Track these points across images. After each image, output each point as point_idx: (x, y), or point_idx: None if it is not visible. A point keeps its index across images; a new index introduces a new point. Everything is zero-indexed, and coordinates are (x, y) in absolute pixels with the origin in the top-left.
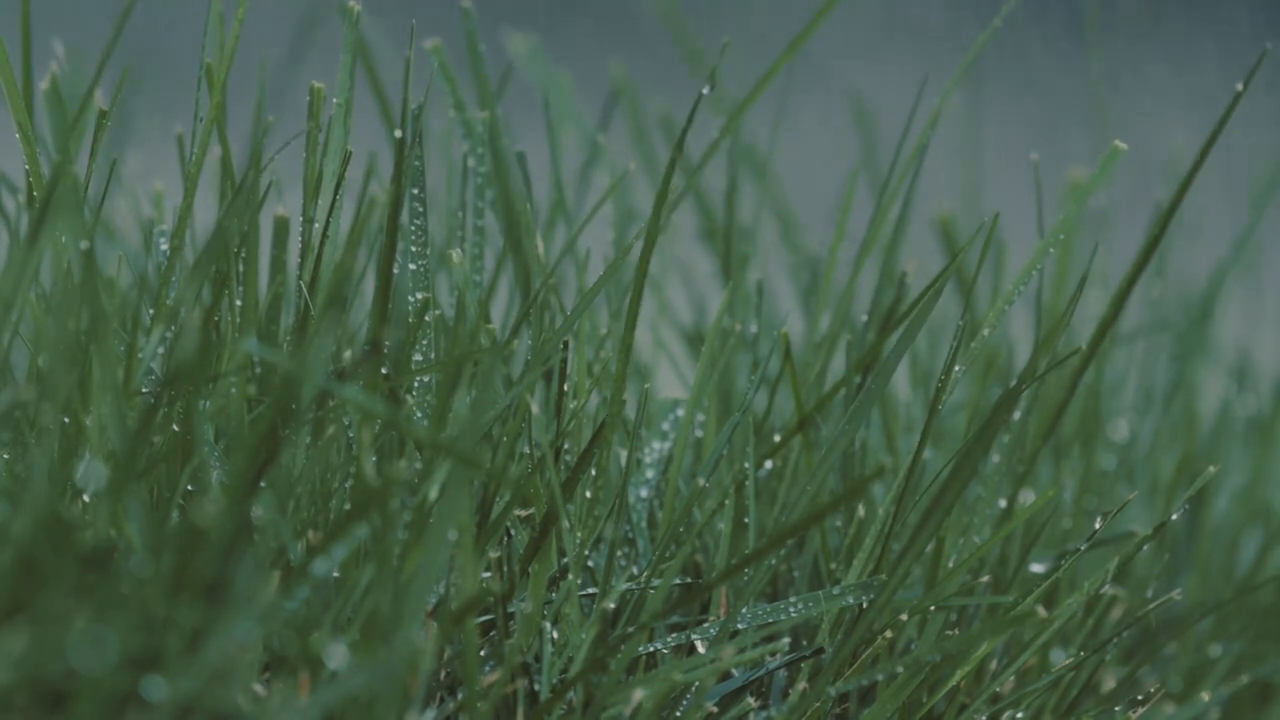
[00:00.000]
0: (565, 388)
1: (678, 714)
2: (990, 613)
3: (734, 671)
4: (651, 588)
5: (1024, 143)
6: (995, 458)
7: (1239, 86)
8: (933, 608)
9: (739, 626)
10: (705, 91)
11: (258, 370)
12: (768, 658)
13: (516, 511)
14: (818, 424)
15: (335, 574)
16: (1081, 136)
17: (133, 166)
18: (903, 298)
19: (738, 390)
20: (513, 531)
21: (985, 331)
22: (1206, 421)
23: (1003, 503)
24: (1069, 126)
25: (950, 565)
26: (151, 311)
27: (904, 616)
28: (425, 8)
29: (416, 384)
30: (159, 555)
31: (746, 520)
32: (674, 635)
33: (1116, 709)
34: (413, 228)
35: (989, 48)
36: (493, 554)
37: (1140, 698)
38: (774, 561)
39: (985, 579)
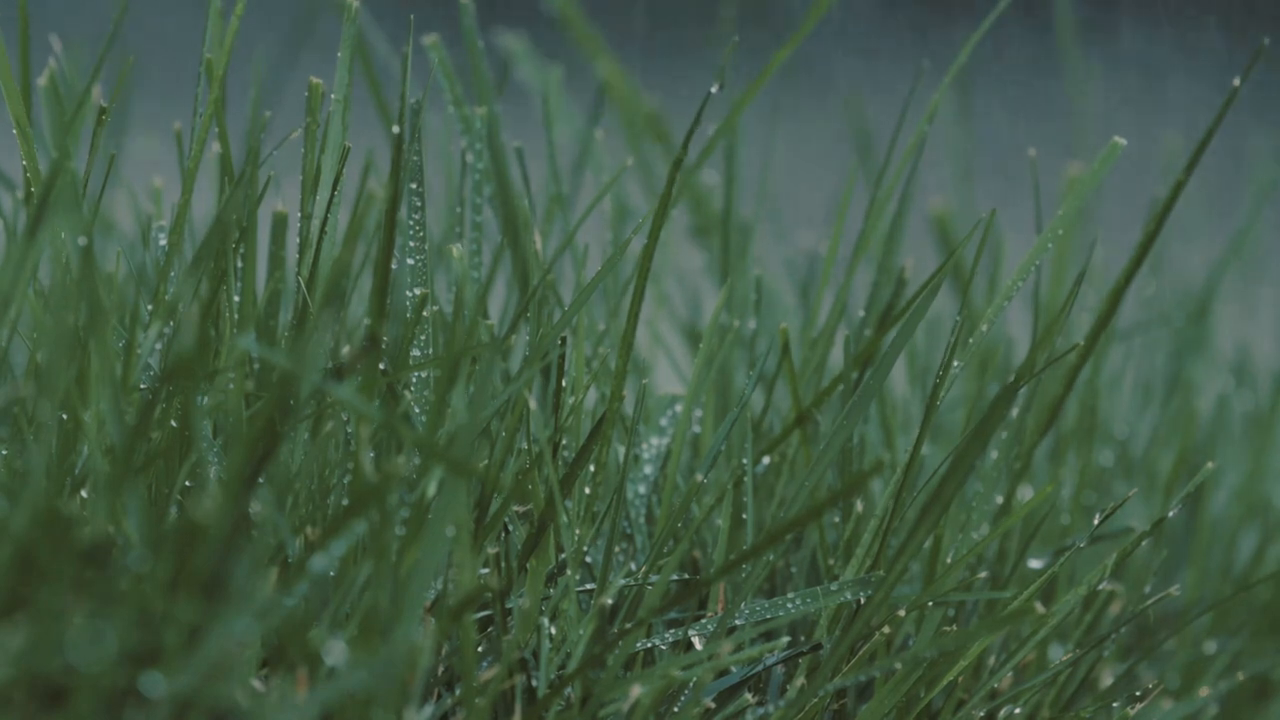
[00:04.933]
0: (563, 383)
1: (675, 710)
2: (988, 609)
3: (732, 668)
4: (649, 584)
5: (1016, 140)
6: (993, 454)
7: (1235, 82)
8: (931, 604)
9: (737, 622)
10: (714, 90)
11: (256, 366)
12: (766, 654)
13: (514, 507)
14: (816, 420)
15: (333, 570)
16: (1075, 134)
17: (131, 162)
18: (900, 294)
19: (735, 386)
20: (511, 527)
21: (984, 327)
22: (1204, 418)
23: (1001, 499)
24: (1062, 124)
25: (948, 561)
26: (150, 307)
27: (902, 612)
28: (423, 4)
29: (414, 379)
30: (157, 551)
31: (744, 516)
32: (672, 631)
33: (1114, 705)
34: (411, 223)
35: (981, 45)
36: (491, 550)
37: (1138, 694)
38: (772, 557)
39: (983, 575)
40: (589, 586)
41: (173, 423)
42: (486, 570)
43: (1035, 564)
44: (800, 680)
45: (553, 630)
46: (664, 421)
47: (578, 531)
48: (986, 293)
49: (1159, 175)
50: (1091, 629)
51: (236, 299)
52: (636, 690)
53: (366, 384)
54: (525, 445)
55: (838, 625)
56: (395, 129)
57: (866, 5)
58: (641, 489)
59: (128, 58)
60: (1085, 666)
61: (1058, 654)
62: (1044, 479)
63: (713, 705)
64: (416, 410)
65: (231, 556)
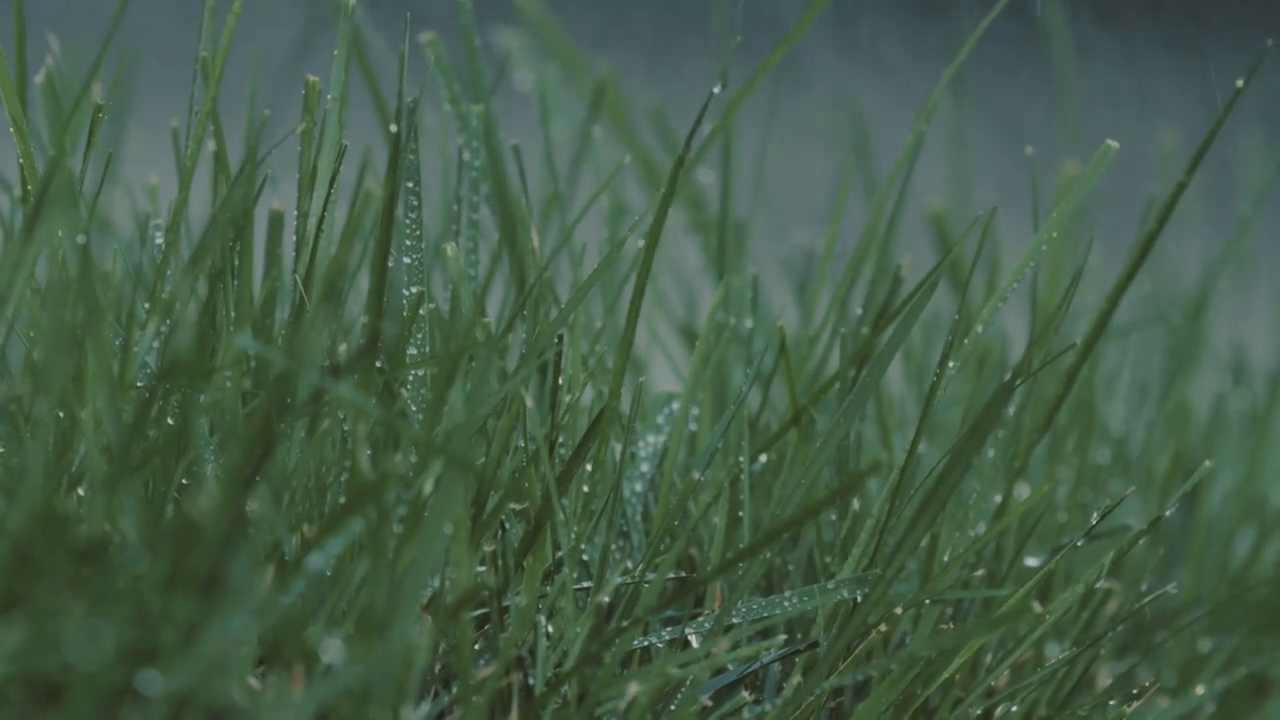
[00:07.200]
0: (560, 381)
1: (672, 708)
2: (985, 607)
3: (729, 666)
4: (646, 582)
5: (1010, 140)
6: (990, 452)
7: (1238, 83)
8: (928, 602)
9: (734, 620)
10: (716, 90)
11: (253, 364)
12: (763, 652)
13: (511, 505)
14: (812, 418)
15: (330, 568)
16: (1073, 133)
17: (128, 160)
18: (897, 292)
19: (732, 384)
20: (508, 525)
21: (979, 328)
22: (1201, 416)
23: (998, 497)
24: (1060, 123)
25: (945, 560)
26: (147, 305)
27: (899, 610)
28: (420, 2)
29: (412, 378)
30: (154, 549)
31: (741, 514)
32: (669, 629)
33: (1111, 703)
34: (408, 221)
35: (979, 44)
36: (488, 548)
37: (1135, 692)
38: (769, 556)
39: (980, 573)
40: (586, 584)
41: (170, 421)
42: (483, 568)
43: (1032, 562)
44: (797, 678)
45: (550, 628)
46: (661, 419)
47: (575, 529)
48: (984, 291)
49: (1155, 174)
50: (1088, 627)
51: (234, 297)
52: (633, 688)
53: (364, 382)
54: (522, 443)
55: (835, 623)
56: (392, 127)
57: (865, 4)
58: (638, 487)
59: (125, 56)
60: (1082, 665)
61: (1054, 652)
62: (1041, 477)
63: (710, 703)
64: (414, 408)
65: (228, 555)
